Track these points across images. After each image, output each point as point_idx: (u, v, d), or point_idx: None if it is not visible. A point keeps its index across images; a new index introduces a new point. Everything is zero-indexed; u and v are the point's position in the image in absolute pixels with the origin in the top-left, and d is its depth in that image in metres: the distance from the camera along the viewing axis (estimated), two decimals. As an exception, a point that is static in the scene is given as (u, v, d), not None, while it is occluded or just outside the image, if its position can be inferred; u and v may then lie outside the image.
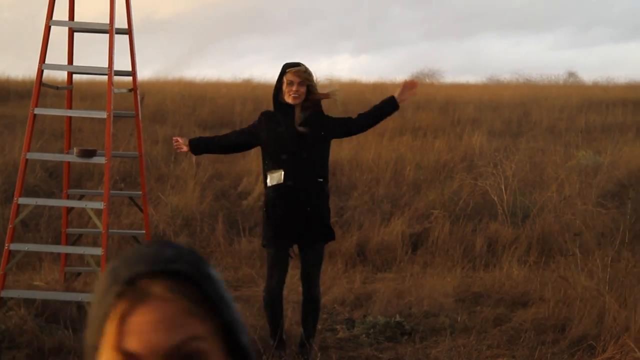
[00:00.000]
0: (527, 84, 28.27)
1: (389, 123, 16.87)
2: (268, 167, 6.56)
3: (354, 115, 6.92)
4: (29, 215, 9.16)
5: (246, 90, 21.81)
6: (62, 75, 14.41)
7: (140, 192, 8.59)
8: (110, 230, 8.20)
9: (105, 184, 7.79)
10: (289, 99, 6.51)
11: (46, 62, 7.83)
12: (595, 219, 10.91)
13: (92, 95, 17.43)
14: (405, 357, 7.13)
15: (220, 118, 17.69)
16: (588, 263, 8.74)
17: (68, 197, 8.78)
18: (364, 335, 7.56)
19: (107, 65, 7.75)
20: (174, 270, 1.21)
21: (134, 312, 1.18)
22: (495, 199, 11.53)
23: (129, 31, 8.16)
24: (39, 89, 7.81)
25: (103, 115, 7.79)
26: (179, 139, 7.07)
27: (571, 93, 23.15)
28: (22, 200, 7.77)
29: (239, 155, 14.08)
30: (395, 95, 6.87)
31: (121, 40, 8.06)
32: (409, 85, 6.92)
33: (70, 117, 8.77)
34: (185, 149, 6.98)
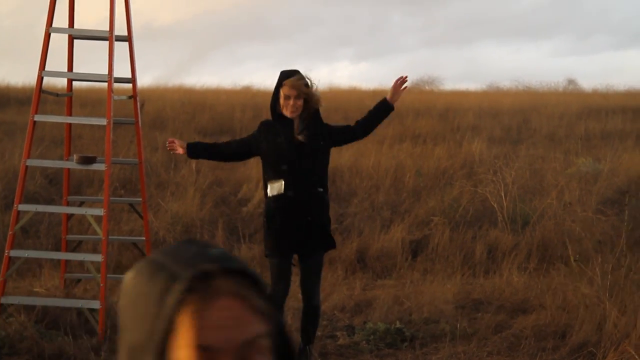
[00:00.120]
0: (527, 91, 28.29)
1: (389, 130, 16.90)
2: (268, 177, 6.55)
3: (353, 123, 6.90)
4: (29, 221, 9.16)
5: (246, 97, 21.82)
6: (62, 82, 14.43)
7: (140, 199, 8.59)
8: (110, 237, 8.20)
9: (105, 190, 7.79)
10: (286, 112, 6.49)
11: (46, 69, 7.84)
12: (595, 226, 10.91)
13: (92, 102, 17.45)
14: (406, 363, 7.13)
15: (220, 125, 17.70)
16: (588, 270, 8.74)
17: (68, 204, 8.78)
18: (364, 342, 7.56)
19: (107, 72, 7.76)
20: (240, 269, 1.23)
21: (209, 308, 1.18)
22: (495, 205, 11.53)
23: (128, 38, 8.17)
24: (39, 96, 7.82)
25: (103, 122, 7.80)
26: (174, 140, 7.02)
27: (571, 100, 23.17)
28: (22, 207, 7.77)
29: (239, 162, 14.09)
30: (387, 97, 6.81)
31: (121, 47, 8.08)
32: (398, 84, 6.83)
33: (70, 124, 8.78)
34: (180, 150, 6.92)
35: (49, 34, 7.82)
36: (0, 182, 12.02)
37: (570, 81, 33.08)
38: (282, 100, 6.48)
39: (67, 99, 8.71)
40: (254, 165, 13.23)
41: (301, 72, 6.60)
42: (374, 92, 25.29)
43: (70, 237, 8.90)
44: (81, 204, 8.98)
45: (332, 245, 6.69)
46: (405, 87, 6.87)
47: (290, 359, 1.28)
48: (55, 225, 10.67)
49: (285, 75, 6.51)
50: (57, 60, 8.68)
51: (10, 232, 7.71)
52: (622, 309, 7.67)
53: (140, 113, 8.44)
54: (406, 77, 6.86)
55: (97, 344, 7.17)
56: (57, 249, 9.72)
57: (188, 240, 1.28)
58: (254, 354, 1.19)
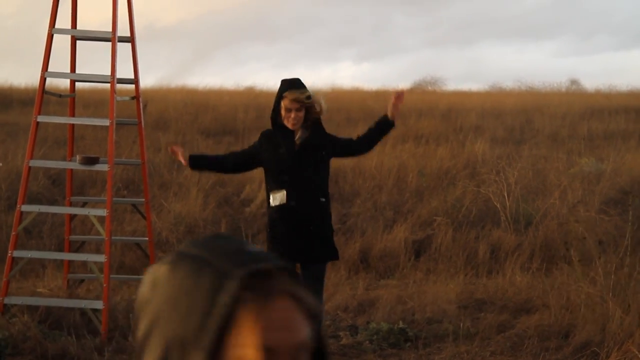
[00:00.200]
0: (530, 91, 28.25)
1: (392, 130, 16.87)
2: (271, 188, 6.54)
3: (356, 124, 6.89)
4: (32, 222, 9.17)
5: (249, 97, 21.82)
6: (65, 83, 14.43)
7: (143, 199, 8.59)
8: (113, 238, 8.21)
9: (108, 191, 7.80)
10: (288, 124, 6.48)
11: (49, 70, 7.85)
12: (598, 226, 10.90)
13: (95, 103, 17.45)
14: (409, 363, 7.13)
15: (222, 125, 17.70)
16: (591, 270, 8.73)
17: (71, 205, 8.79)
18: (367, 342, 7.56)
19: (109, 73, 7.77)
20: (290, 269, 1.21)
21: (269, 308, 1.16)
22: (498, 206, 11.53)
23: (131, 39, 8.17)
24: (42, 97, 7.83)
25: (106, 122, 7.81)
26: (177, 147, 6.99)
27: (573, 100, 23.15)
28: (25, 208, 7.78)
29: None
30: (388, 114, 6.80)
31: (124, 48, 8.08)
32: (397, 100, 6.82)
33: (73, 125, 8.79)
34: (181, 158, 6.86)
35: (52, 35, 7.83)
36: (3, 182, 12.04)
37: (573, 81, 33.02)
38: (283, 112, 6.47)
39: (70, 100, 8.72)
40: (256, 166, 13.22)
41: (302, 81, 6.60)
42: (377, 93, 25.29)
43: (73, 237, 8.91)
44: (84, 204, 8.99)
45: (335, 256, 6.68)
46: (402, 102, 6.87)
47: None
48: (58, 225, 10.68)
49: (286, 87, 6.49)
50: (59, 61, 8.70)
51: (14, 233, 7.73)
52: (626, 309, 7.67)
53: (143, 114, 8.45)
54: (402, 92, 6.87)
55: (100, 344, 7.17)
56: (60, 249, 9.73)
57: (217, 235, 1.25)
58: (303, 357, 1.17)
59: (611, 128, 18.69)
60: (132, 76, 8.29)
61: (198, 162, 6.86)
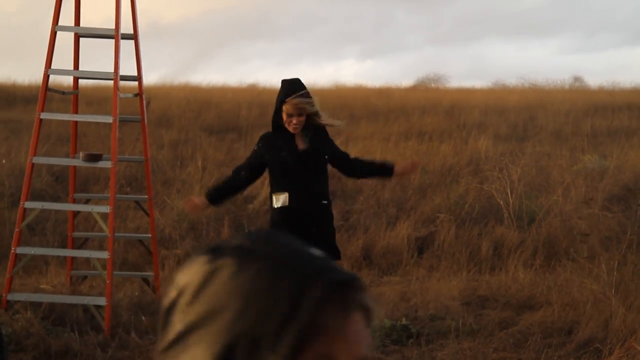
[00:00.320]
0: (533, 88, 28.22)
1: (395, 127, 16.89)
2: (273, 190, 6.55)
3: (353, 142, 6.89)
4: (35, 219, 9.18)
5: (252, 95, 21.82)
6: (68, 80, 14.43)
7: (146, 196, 8.60)
8: (116, 234, 8.22)
9: (111, 188, 7.81)
10: (289, 128, 6.48)
11: (52, 67, 7.86)
12: (601, 222, 10.90)
13: (98, 100, 17.46)
14: (411, 360, 7.14)
15: (226, 123, 17.70)
16: (594, 267, 8.73)
17: (74, 201, 8.80)
18: (369, 339, 7.55)
19: (112, 70, 7.78)
20: (362, 281, 1.17)
21: (348, 321, 1.12)
22: (501, 202, 11.53)
23: (134, 36, 8.18)
24: (45, 94, 7.84)
25: (109, 119, 7.82)
26: (193, 199, 6.91)
27: (577, 97, 23.11)
28: (29, 204, 7.79)
29: (244, 160, 14.09)
30: (397, 167, 6.80)
31: (127, 45, 8.09)
32: (412, 168, 6.98)
33: (76, 122, 8.80)
34: (198, 203, 6.83)
35: (55, 32, 7.84)
36: (6, 179, 12.05)
37: (577, 78, 32.96)
38: (284, 116, 6.47)
39: (73, 97, 8.73)
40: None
41: (302, 81, 6.60)
42: (380, 90, 25.29)
43: (77, 234, 8.92)
44: (87, 201, 9.00)
45: (337, 256, 6.71)
46: (413, 173, 6.92)
47: None
48: (62, 222, 10.69)
49: (287, 91, 6.49)
50: (63, 59, 8.70)
51: (17, 230, 7.74)
52: (629, 306, 7.67)
53: (146, 111, 8.46)
54: (418, 166, 6.93)
55: (103, 340, 7.19)
56: (63, 246, 9.75)
57: (272, 232, 1.20)
58: None
59: (614, 125, 18.67)
60: (135, 73, 8.30)
61: (215, 198, 6.79)
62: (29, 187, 7.86)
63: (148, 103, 12.25)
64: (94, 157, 7.89)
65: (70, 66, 8.46)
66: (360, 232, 10.85)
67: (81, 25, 8.30)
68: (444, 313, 8.17)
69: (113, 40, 7.81)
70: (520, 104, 21.18)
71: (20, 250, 7.76)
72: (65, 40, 8.53)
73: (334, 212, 6.99)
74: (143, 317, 7.67)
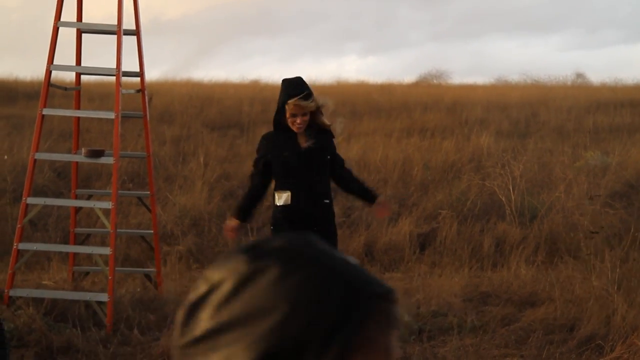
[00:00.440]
0: (535, 84, 28.20)
1: (397, 124, 16.89)
2: (276, 188, 6.56)
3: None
4: (37, 215, 9.19)
5: (254, 91, 21.82)
6: (70, 76, 14.45)
7: (149, 192, 8.61)
8: (118, 230, 8.23)
9: (113, 184, 7.82)
10: (293, 127, 6.48)
11: (54, 63, 7.86)
12: (603, 219, 10.89)
13: (100, 96, 17.47)
14: (413, 356, 7.13)
15: (227, 119, 17.71)
16: (596, 263, 8.73)
17: (76, 197, 8.81)
18: (371, 335, 7.55)
19: (115, 66, 7.78)
20: (396, 296, 1.15)
21: (389, 336, 1.11)
22: (503, 199, 11.52)
23: (136, 32, 8.18)
24: (47, 90, 7.84)
25: (111, 115, 7.82)
26: (228, 226, 6.86)
27: (579, 94, 23.10)
28: (31, 200, 7.80)
29: (246, 156, 14.10)
30: (378, 200, 6.82)
31: (129, 41, 8.09)
32: (387, 211, 7.09)
33: (78, 118, 8.80)
34: (237, 230, 6.80)
35: (57, 28, 7.84)
36: (9, 175, 12.06)
37: (579, 75, 32.93)
38: (288, 116, 6.46)
39: (76, 93, 8.73)
40: (261, 159, 13.22)
41: (303, 79, 6.59)
42: (382, 86, 25.28)
43: (79, 230, 8.93)
44: (89, 197, 9.00)
45: None
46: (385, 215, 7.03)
47: None
48: (64, 218, 10.70)
49: (290, 91, 6.47)
50: (65, 54, 8.70)
51: (19, 225, 7.74)
52: (631, 302, 7.67)
53: (148, 107, 8.46)
54: (390, 213, 6.99)
55: (105, 336, 7.19)
56: (65, 242, 9.75)
57: (312, 238, 1.16)
58: None
59: (617, 121, 18.66)
60: (137, 69, 8.30)
61: (245, 215, 6.75)
62: (31, 183, 7.86)
63: (150, 99, 12.25)
64: (96, 153, 7.89)
65: (72, 62, 8.46)
66: (362, 229, 10.85)
67: (83, 21, 8.30)
68: (446, 309, 8.17)
69: (115, 36, 7.81)
70: (522, 101, 21.18)
71: (22, 246, 7.76)
72: (67, 36, 8.54)
73: (336, 208, 7.00)
74: (151, 316, 7.68)
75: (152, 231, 8.60)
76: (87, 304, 7.65)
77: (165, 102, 18.34)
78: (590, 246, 9.32)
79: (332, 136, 6.74)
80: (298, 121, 6.43)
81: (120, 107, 7.72)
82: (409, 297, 8.55)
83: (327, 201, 6.58)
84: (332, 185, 6.73)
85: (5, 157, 12.97)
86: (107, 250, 7.66)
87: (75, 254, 8.73)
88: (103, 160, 7.95)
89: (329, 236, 6.58)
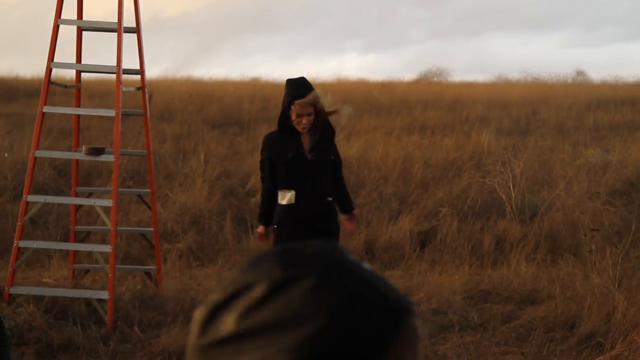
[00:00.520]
0: (536, 82, 28.21)
1: (397, 121, 16.89)
2: (279, 186, 6.58)
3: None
4: (37, 212, 9.19)
5: (254, 88, 21.81)
6: (71, 74, 14.45)
7: (149, 190, 8.61)
8: (118, 228, 8.22)
9: (113, 181, 7.82)
10: (298, 127, 6.49)
11: (55, 60, 7.86)
12: (603, 217, 10.89)
13: (101, 94, 17.47)
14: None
15: (228, 117, 17.70)
16: (597, 261, 8.73)
17: (77, 195, 8.81)
18: (372, 333, 7.55)
19: (115, 64, 7.78)
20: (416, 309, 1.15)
21: (416, 350, 1.10)
22: (504, 197, 11.52)
23: (137, 30, 8.17)
24: (48, 88, 7.84)
25: (111, 113, 7.82)
26: (259, 234, 6.90)
27: (580, 92, 23.10)
28: (31, 198, 7.79)
29: (246, 153, 14.10)
30: (354, 212, 6.99)
31: (129, 39, 8.09)
32: (352, 225, 7.17)
33: (78, 116, 8.80)
34: (267, 234, 6.81)
35: (58, 26, 7.83)
36: (9, 173, 12.05)
37: (579, 72, 32.96)
38: (293, 117, 6.46)
39: (76, 91, 8.73)
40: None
41: (307, 79, 6.60)
42: (382, 84, 25.27)
43: (79, 227, 8.93)
44: (90, 195, 9.00)
45: None
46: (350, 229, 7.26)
47: None
48: (64, 216, 10.70)
49: (296, 93, 6.47)
50: (65, 52, 8.71)
51: (19, 223, 7.75)
52: (631, 300, 7.67)
53: (148, 104, 8.46)
54: (353, 223, 7.13)
55: (106, 333, 7.19)
56: (65, 239, 9.75)
57: (340, 247, 1.14)
58: None
59: (617, 119, 18.65)
60: (137, 67, 8.30)
61: (270, 218, 6.75)
62: (32, 181, 7.86)
63: (150, 97, 12.25)
64: (97, 151, 7.89)
65: (72, 60, 8.46)
66: (363, 226, 10.85)
67: (84, 18, 8.29)
68: (446, 307, 8.18)
69: (115, 34, 7.80)
70: (522, 98, 21.17)
71: (22, 243, 7.77)
72: (68, 33, 8.53)
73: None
74: (151, 313, 7.68)
75: (152, 229, 8.60)
76: (88, 302, 7.66)
77: (165, 99, 18.34)
78: (591, 244, 9.32)
79: (334, 134, 6.73)
80: (304, 121, 6.45)
81: (120, 105, 7.72)
82: (409, 295, 8.54)
83: (330, 199, 6.62)
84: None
85: (6, 154, 12.97)
86: (107, 248, 7.66)
87: (76, 252, 8.73)
88: (103, 158, 7.95)
89: (332, 233, 6.62)
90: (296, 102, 6.43)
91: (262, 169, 6.77)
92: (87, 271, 8.82)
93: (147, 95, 8.41)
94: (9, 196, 11.36)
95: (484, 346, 7.22)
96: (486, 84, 28.89)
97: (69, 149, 10.04)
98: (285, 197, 6.52)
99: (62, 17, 7.88)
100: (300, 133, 6.52)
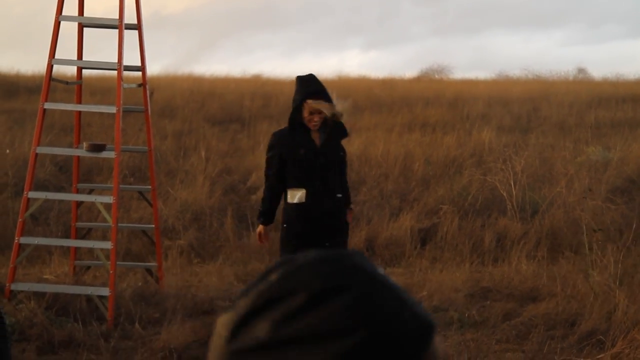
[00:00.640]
0: (537, 79, 28.20)
1: (398, 119, 16.88)
2: (289, 185, 6.53)
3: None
4: (38, 209, 9.19)
5: (255, 85, 21.81)
6: (72, 70, 14.43)
7: (150, 187, 8.60)
8: (119, 224, 8.23)
9: (114, 178, 7.82)
10: (309, 125, 6.47)
11: (56, 57, 7.86)
12: (604, 214, 10.89)
13: (102, 90, 17.46)
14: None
15: (229, 114, 17.70)
16: (597, 258, 8.73)
17: (78, 191, 8.81)
18: (372, 330, 7.55)
19: (116, 61, 7.77)
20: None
21: None
22: (504, 194, 11.52)
23: (138, 26, 8.17)
24: (49, 84, 7.84)
25: (112, 110, 7.82)
26: (259, 235, 6.86)
27: (581, 89, 23.08)
28: (32, 194, 7.80)
29: (247, 150, 14.11)
30: (350, 207, 6.96)
31: (130, 36, 8.08)
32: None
33: (79, 112, 8.79)
34: (266, 234, 6.80)
35: (59, 22, 7.83)
36: (10, 169, 12.06)
37: (581, 70, 32.91)
38: (305, 114, 6.45)
39: (77, 87, 8.72)
40: (262, 154, 13.22)
41: (317, 77, 6.58)
42: (384, 81, 25.27)
43: (80, 224, 8.93)
44: (91, 191, 9.00)
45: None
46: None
47: None
48: (65, 212, 10.70)
49: (309, 91, 6.46)
50: (66, 49, 8.70)
51: (20, 219, 7.75)
52: (632, 297, 7.67)
53: (149, 101, 8.46)
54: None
55: (107, 330, 7.20)
56: (66, 236, 9.76)
57: (369, 259, 1.13)
58: None
59: (618, 116, 18.64)
60: (138, 64, 8.29)
61: (271, 217, 6.78)
62: (33, 177, 7.86)
63: (152, 93, 12.25)
64: (98, 147, 7.89)
65: (73, 56, 8.45)
66: (364, 224, 10.85)
67: (85, 15, 8.29)
68: (447, 304, 8.18)
69: (117, 31, 7.80)
70: (523, 96, 21.17)
71: (23, 240, 7.77)
72: (69, 30, 8.53)
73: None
74: (152, 310, 7.68)
75: (153, 225, 8.60)
76: (89, 298, 7.66)
77: (166, 96, 18.34)
78: (592, 243, 9.31)
79: (345, 133, 6.70)
80: (315, 119, 6.44)
81: (121, 102, 7.72)
82: (410, 292, 8.54)
83: (340, 195, 6.59)
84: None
85: (7, 151, 12.98)
86: (108, 245, 7.66)
87: (77, 248, 8.73)
88: (104, 154, 7.94)
89: (341, 230, 6.60)
90: (309, 101, 6.42)
91: (269, 166, 6.68)
92: (88, 268, 8.82)
93: (148, 92, 8.41)
94: (10, 192, 11.36)
95: (485, 343, 7.21)
96: (487, 81, 28.88)
97: (70, 146, 10.05)
98: (296, 196, 6.48)
99: (64, 13, 7.87)
100: (310, 130, 6.50)
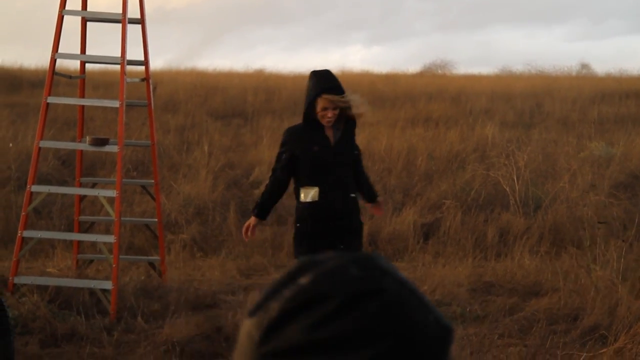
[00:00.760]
0: (540, 75, 28.15)
1: (401, 113, 16.88)
2: (302, 183, 6.37)
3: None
4: (41, 203, 9.20)
5: (258, 80, 21.81)
6: (75, 65, 14.43)
7: (153, 181, 8.61)
8: (122, 218, 8.23)
9: (117, 172, 7.82)
10: (323, 121, 6.34)
11: (59, 51, 7.86)
12: (607, 209, 10.89)
13: (105, 85, 17.47)
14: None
15: (232, 108, 17.70)
16: (600, 253, 8.73)
17: (81, 185, 8.81)
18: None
19: (119, 55, 7.78)
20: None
21: None
22: (507, 189, 11.52)
23: (141, 21, 8.17)
24: (52, 78, 7.84)
25: (115, 104, 7.82)
26: (247, 227, 6.65)
27: (584, 84, 23.05)
28: (35, 188, 7.80)
29: (250, 145, 14.11)
30: (378, 200, 6.89)
31: (134, 30, 8.09)
32: (380, 211, 7.17)
33: (83, 106, 8.80)
34: (254, 228, 6.64)
35: (62, 16, 7.83)
36: (13, 163, 12.07)
37: (584, 65, 32.85)
38: (319, 109, 6.32)
39: (80, 81, 8.73)
40: (265, 148, 13.25)
41: (333, 73, 6.52)
42: (387, 76, 25.25)
43: (83, 218, 8.94)
44: (94, 185, 9.00)
45: (361, 249, 6.70)
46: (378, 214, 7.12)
47: None
48: (68, 206, 10.71)
49: (324, 86, 6.34)
50: (70, 43, 8.70)
51: (23, 213, 7.76)
52: (635, 293, 7.67)
53: (152, 95, 8.46)
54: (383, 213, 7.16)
55: (109, 323, 7.21)
56: (69, 230, 9.77)
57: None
58: None
59: (622, 112, 18.63)
60: (142, 58, 8.30)
61: (266, 213, 6.66)
62: (36, 171, 7.87)
63: (155, 88, 12.25)
64: (101, 142, 7.89)
65: (77, 50, 8.46)
66: (366, 218, 10.82)
67: (88, 9, 8.29)
68: (450, 299, 8.18)
69: (120, 25, 7.80)
70: (527, 91, 21.15)
71: (26, 233, 7.78)
72: (72, 24, 8.53)
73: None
74: (155, 304, 7.69)
75: (156, 219, 8.61)
76: (92, 292, 7.67)
77: (169, 91, 18.34)
78: (595, 236, 9.31)
79: (355, 127, 6.60)
80: (329, 115, 6.28)
81: (124, 96, 7.72)
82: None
83: (353, 195, 6.46)
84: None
85: (10, 145, 12.99)
86: (111, 239, 7.67)
87: (80, 242, 8.75)
88: (107, 148, 7.95)
89: (355, 230, 6.48)
90: (325, 96, 6.32)
91: (278, 160, 6.54)
92: (91, 261, 8.83)
93: (151, 87, 8.41)
94: (13, 186, 11.38)
95: (487, 338, 7.22)
96: (490, 76, 28.85)
97: (73, 140, 10.05)
98: (309, 195, 6.33)
99: (67, 7, 7.87)
100: (323, 127, 6.41)
